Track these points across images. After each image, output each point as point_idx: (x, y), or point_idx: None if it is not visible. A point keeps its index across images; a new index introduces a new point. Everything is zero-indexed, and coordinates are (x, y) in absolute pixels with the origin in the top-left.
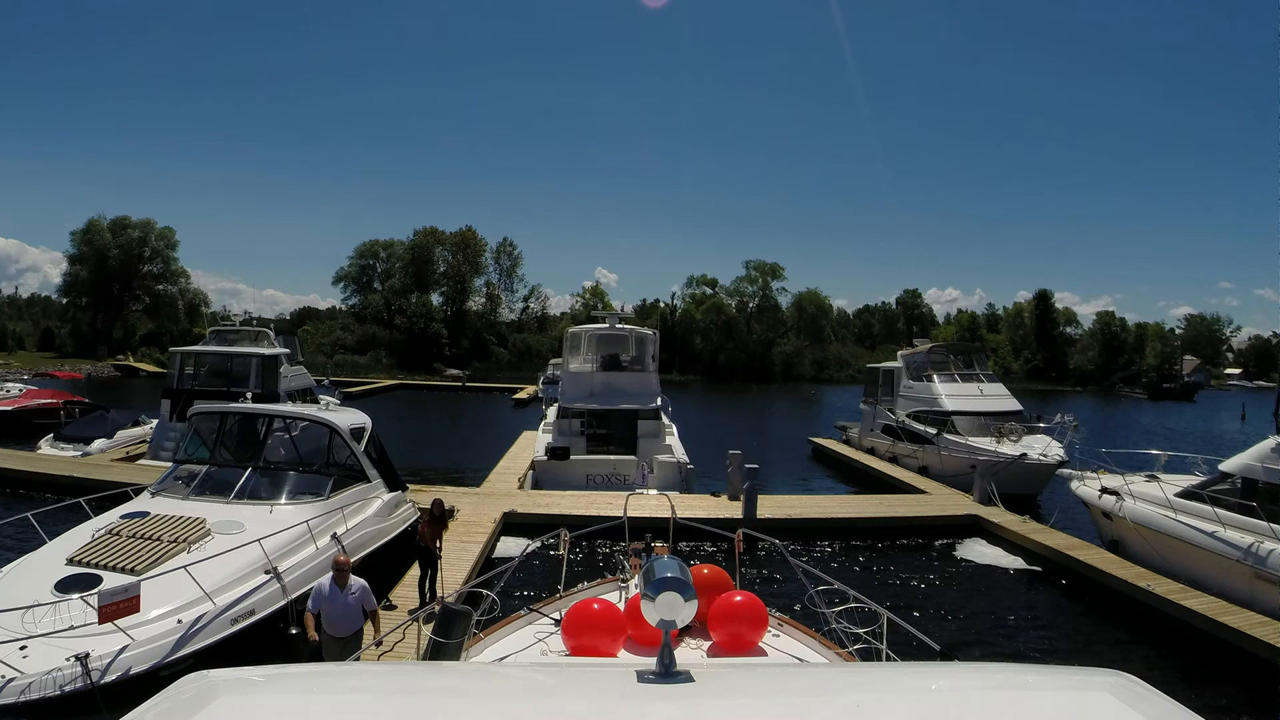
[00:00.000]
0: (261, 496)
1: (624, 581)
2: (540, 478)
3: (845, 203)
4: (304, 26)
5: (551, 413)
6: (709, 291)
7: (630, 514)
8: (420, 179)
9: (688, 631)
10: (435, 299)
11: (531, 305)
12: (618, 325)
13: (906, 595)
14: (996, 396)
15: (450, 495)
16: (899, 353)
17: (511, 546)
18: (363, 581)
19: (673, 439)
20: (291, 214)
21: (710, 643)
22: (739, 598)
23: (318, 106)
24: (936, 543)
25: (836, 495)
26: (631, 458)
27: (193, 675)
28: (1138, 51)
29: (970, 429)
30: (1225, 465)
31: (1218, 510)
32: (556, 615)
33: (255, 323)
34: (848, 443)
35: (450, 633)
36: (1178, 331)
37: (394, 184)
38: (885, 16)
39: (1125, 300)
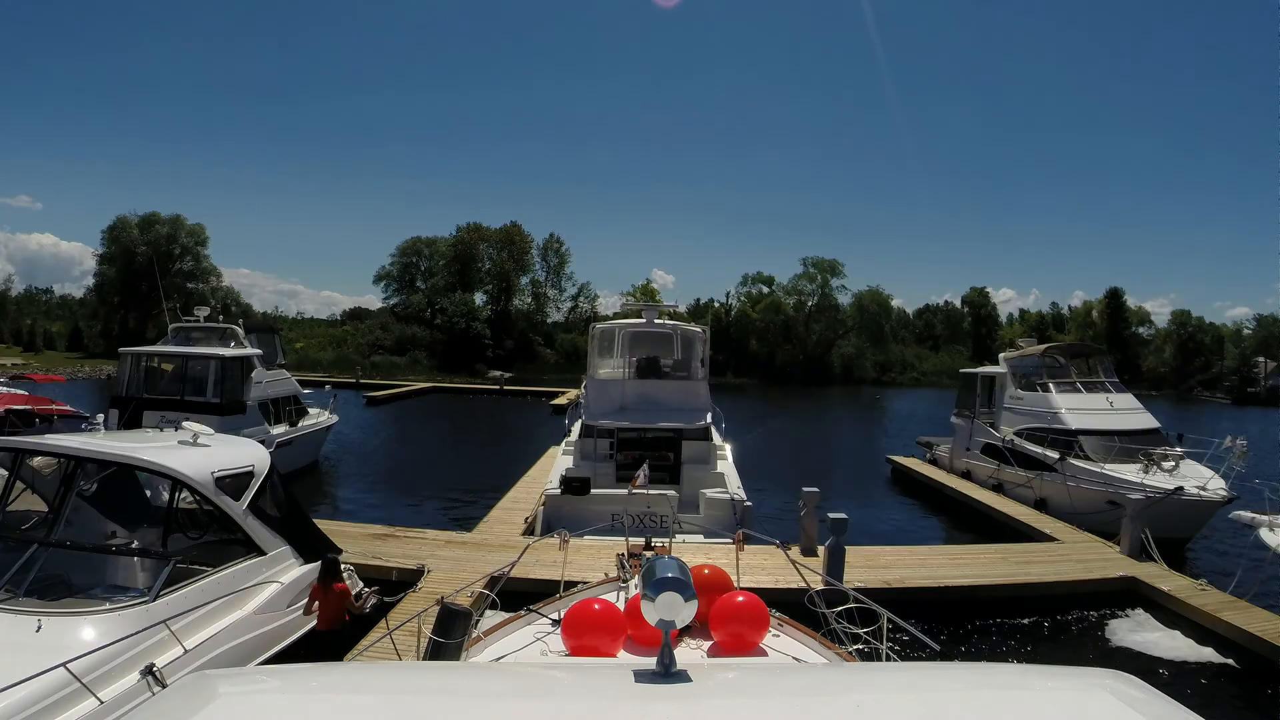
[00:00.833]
0: (42, 597)
1: (624, 581)
2: (550, 517)
3: (892, 201)
4: (356, 31)
5: (575, 430)
6: (765, 290)
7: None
8: (468, 181)
9: (688, 631)
10: (479, 298)
11: (581, 304)
12: (657, 320)
13: None
14: (1130, 411)
15: (424, 548)
16: (1002, 356)
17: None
18: None
19: (726, 465)
20: (350, 215)
21: (710, 643)
22: (740, 598)
23: (372, 108)
24: (1079, 615)
25: (941, 547)
26: (671, 492)
27: (193, 675)
28: (1193, 41)
29: (1101, 452)
30: None
31: None
32: (556, 615)
33: (222, 317)
34: (934, 463)
35: (450, 633)
36: (1245, 332)
37: (444, 185)
38: (939, 10)
39: (1179, 299)
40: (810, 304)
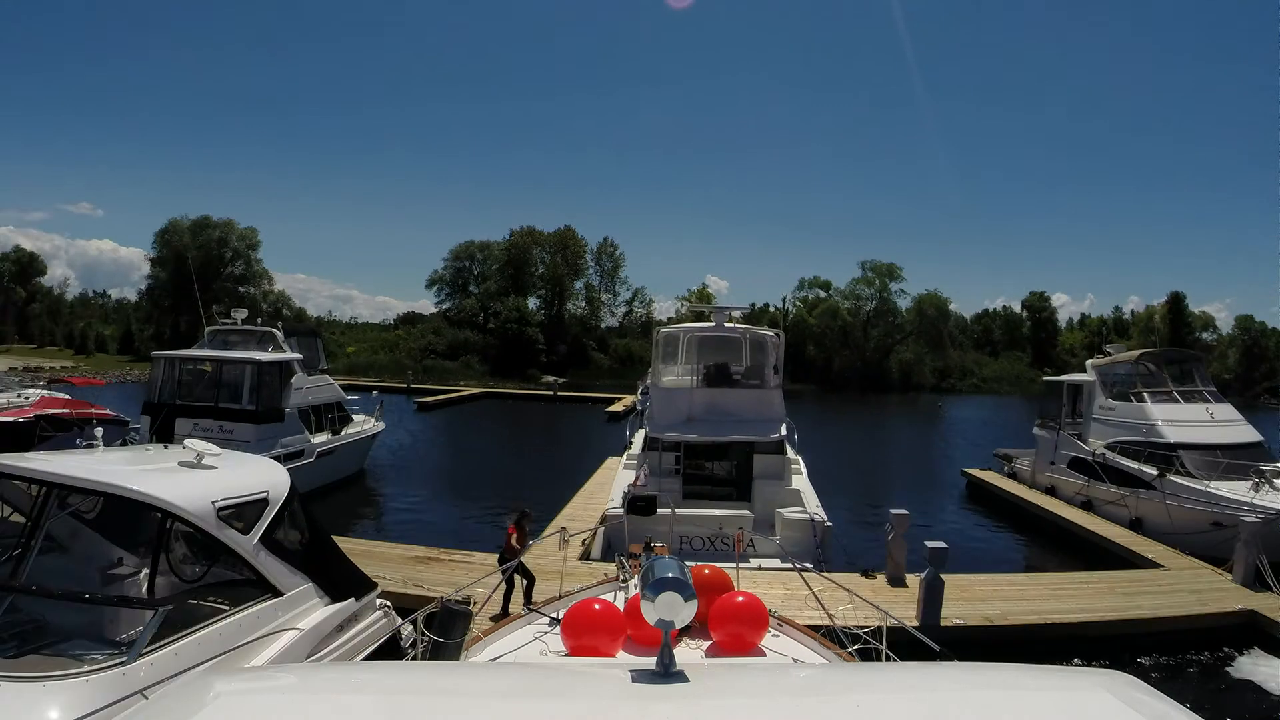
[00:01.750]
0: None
1: (624, 581)
2: (613, 539)
3: (942, 205)
4: (415, 39)
5: (637, 441)
6: (823, 295)
7: None
8: (521, 186)
9: (687, 632)
10: (532, 302)
11: (635, 309)
12: (727, 324)
13: None
14: (1231, 423)
15: (470, 574)
16: (1090, 363)
17: None
18: None
19: (801, 481)
20: (406, 221)
21: (710, 643)
22: (739, 598)
23: (429, 115)
24: (1195, 654)
25: (1039, 575)
26: (744, 512)
27: (193, 675)
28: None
29: (1203, 468)
30: None
31: None
32: (556, 615)
33: (260, 320)
34: (1014, 477)
35: (450, 633)
36: None
37: (498, 191)
38: (997, 11)
39: (1235, 305)
40: (868, 309)
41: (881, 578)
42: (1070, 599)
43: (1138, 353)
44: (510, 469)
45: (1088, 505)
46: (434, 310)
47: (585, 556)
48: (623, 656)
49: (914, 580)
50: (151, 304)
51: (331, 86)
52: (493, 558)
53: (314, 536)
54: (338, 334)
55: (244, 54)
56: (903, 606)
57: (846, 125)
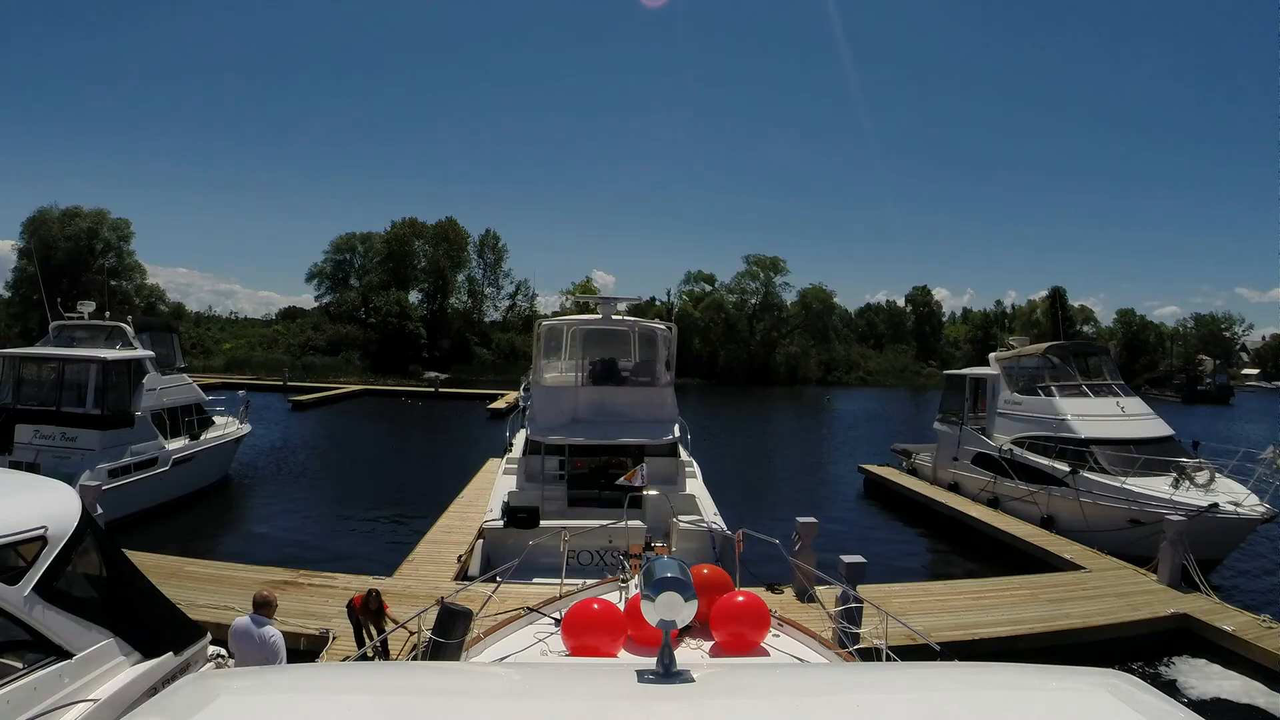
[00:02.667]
0: None
1: (624, 581)
2: (493, 554)
3: (826, 200)
4: (296, 27)
5: (518, 443)
6: (708, 288)
7: None
8: (406, 178)
9: (688, 631)
10: (414, 296)
11: (519, 302)
12: (614, 316)
13: None
14: (1142, 417)
15: (332, 600)
16: (993, 356)
17: None
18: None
19: (696, 485)
20: (288, 214)
21: (711, 643)
22: (740, 598)
23: (316, 107)
24: (1129, 666)
25: (958, 584)
26: (635, 523)
27: (193, 675)
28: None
29: (1117, 464)
30: None
31: None
32: (556, 615)
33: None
34: (914, 473)
35: (450, 633)
36: (1184, 329)
37: (387, 183)
38: (883, 13)
39: (1108, 300)
40: (753, 302)
41: (789, 592)
42: (994, 609)
43: (1044, 345)
44: (386, 473)
45: (994, 502)
46: (315, 305)
47: (462, 575)
48: (624, 656)
49: (824, 593)
50: (20, 299)
51: (217, 74)
52: (359, 578)
53: (117, 577)
54: (215, 330)
55: (120, 37)
56: (815, 625)
57: (730, 118)
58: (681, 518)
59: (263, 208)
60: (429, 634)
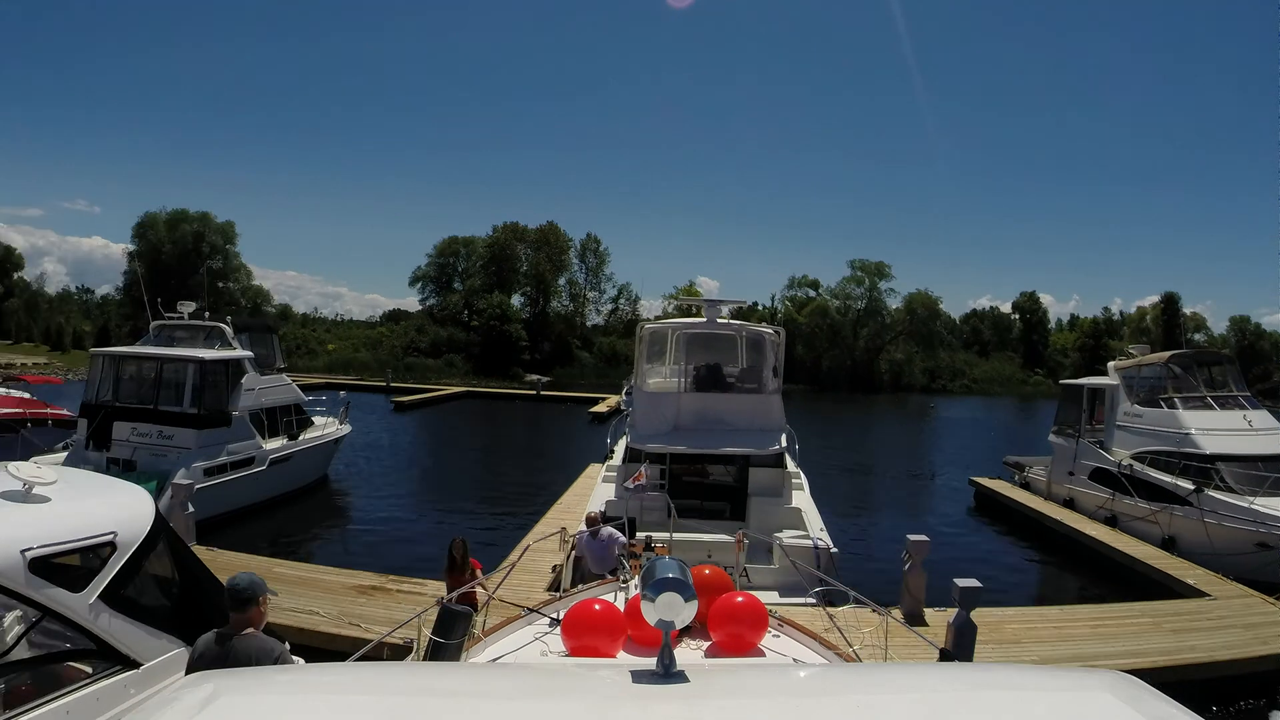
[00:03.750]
0: None
1: (624, 582)
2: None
3: (928, 205)
4: (401, 40)
5: (619, 450)
6: (812, 294)
7: None
8: (510, 185)
9: (687, 632)
10: (516, 300)
11: (621, 306)
12: (720, 320)
13: None
14: (1271, 432)
15: (420, 606)
16: (1112, 365)
17: None
18: (611, 529)
19: (803, 499)
20: (397, 219)
21: (710, 643)
22: (739, 598)
23: (425, 116)
24: (1252, 704)
25: (1074, 609)
26: (738, 537)
27: (193, 676)
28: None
29: (1245, 482)
30: None
31: None
32: (556, 615)
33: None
34: (1026, 487)
35: (450, 633)
36: None
37: (486, 189)
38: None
39: (1215, 307)
40: (858, 308)
41: (897, 613)
42: (1114, 639)
43: (1167, 354)
44: (486, 476)
45: (1112, 521)
46: (419, 308)
47: (554, 588)
48: (623, 657)
49: (934, 617)
50: (130, 300)
51: (330, 90)
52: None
53: (191, 584)
54: (321, 331)
55: (240, 52)
56: (925, 651)
57: (836, 123)
58: (785, 533)
59: (371, 212)
60: (429, 634)
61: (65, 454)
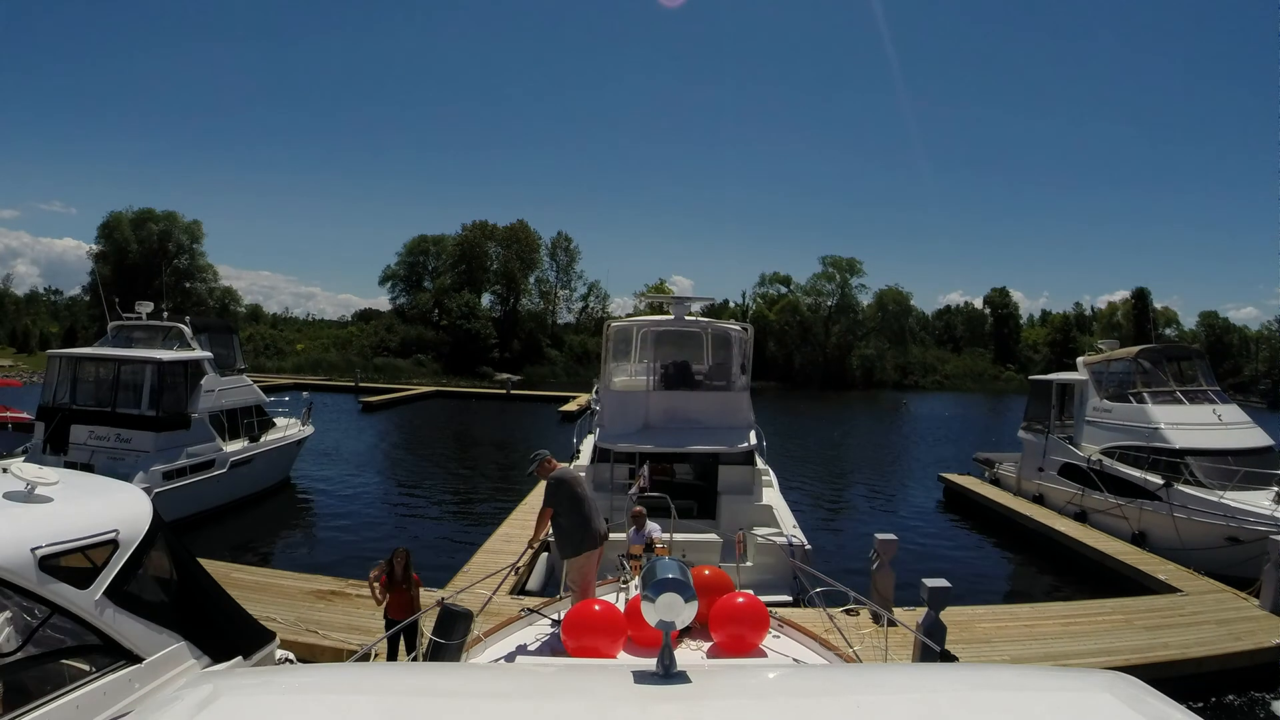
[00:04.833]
0: None
1: (624, 583)
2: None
3: (900, 201)
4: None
5: (585, 449)
6: (783, 290)
7: None
8: (479, 184)
9: (688, 633)
10: (486, 298)
11: (591, 304)
12: (687, 317)
13: None
14: (1240, 426)
15: (380, 614)
16: (1081, 360)
17: None
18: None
19: (773, 496)
20: (369, 219)
21: (711, 644)
22: (740, 599)
23: (391, 112)
24: (1229, 700)
25: (1045, 607)
26: (710, 536)
27: (194, 676)
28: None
29: (1215, 476)
30: None
31: None
32: (556, 616)
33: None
34: (996, 483)
35: (450, 634)
36: (1267, 333)
37: (455, 188)
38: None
39: (1181, 302)
40: (829, 304)
41: (865, 613)
42: (1086, 637)
43: (1136, 349)
44: (452, 477)
45: (1082, 516)
46: (389, 307)
47: (519, 590)
48: (623, 657)
49: (903, 617)
50: (96, 301)
51: (302, 89)
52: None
53: (188, 580)
54: (291, 331)
55: (216, 54)
56: (895, 652)
57: (810, 120)
58: (758, 530)
59: (343, 213)
60: (429, 635)
61: (23, 458)
